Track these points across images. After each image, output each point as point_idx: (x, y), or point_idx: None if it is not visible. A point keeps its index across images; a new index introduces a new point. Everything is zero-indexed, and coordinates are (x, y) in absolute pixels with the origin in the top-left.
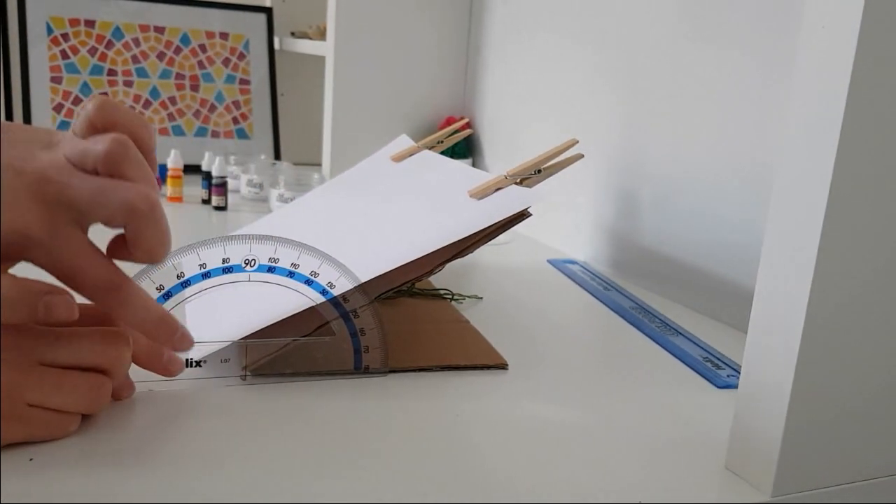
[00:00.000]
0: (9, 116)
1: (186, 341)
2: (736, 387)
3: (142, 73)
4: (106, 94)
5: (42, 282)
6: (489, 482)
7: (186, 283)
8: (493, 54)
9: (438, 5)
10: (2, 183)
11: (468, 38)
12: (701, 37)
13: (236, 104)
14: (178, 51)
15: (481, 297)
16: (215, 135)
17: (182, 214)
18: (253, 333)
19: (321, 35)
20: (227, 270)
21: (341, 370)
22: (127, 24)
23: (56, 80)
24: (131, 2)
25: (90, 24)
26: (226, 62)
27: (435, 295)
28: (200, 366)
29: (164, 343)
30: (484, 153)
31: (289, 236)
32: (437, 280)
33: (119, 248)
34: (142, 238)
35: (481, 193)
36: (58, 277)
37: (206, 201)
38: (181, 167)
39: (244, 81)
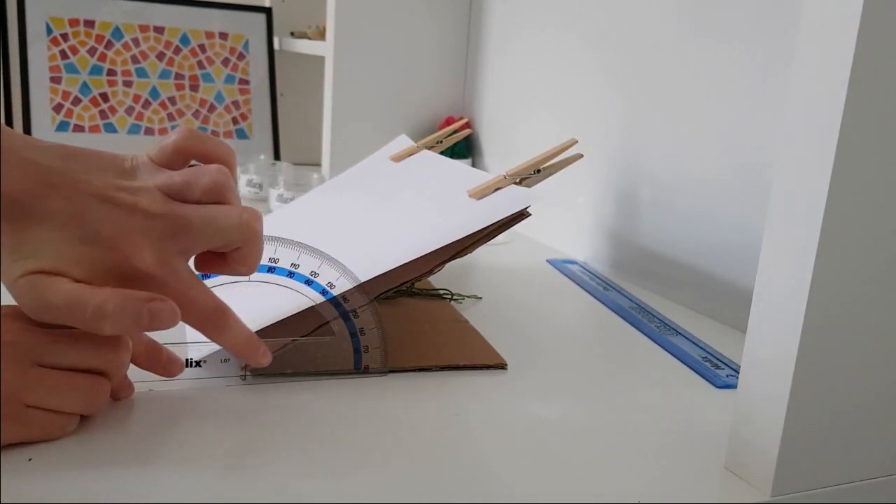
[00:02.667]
0: (8, 116)
1: (268, 357)
2: (735, 387)
3: (141, 73)
4: (105, 94)
5: (141, 292)
6: (488, 482)
7: None
8: (492, 54)
9: (438, 5)
10: (114, 223)
11: (468, 38)
12: (701, 37)
13: (236, 104)
14: (177, 51)
15: (481, 297)
16: (215, 135)
17: None
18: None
19: (320, 35)
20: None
21: (341, 370)
22: (126, 24)
23: (55, 80)
24: (131, 2)
25: (90, 24)
26: (225, 62)
27: (434, 295)
28: (200, 366)
29: (248, 359)
30: (483, 153)
31: (288, 236)
32: (437, 280)
33: (212, 264)
34: (251, 255)
35: (480, 193)
36: None
37: None
38: None
39: (244, 81)
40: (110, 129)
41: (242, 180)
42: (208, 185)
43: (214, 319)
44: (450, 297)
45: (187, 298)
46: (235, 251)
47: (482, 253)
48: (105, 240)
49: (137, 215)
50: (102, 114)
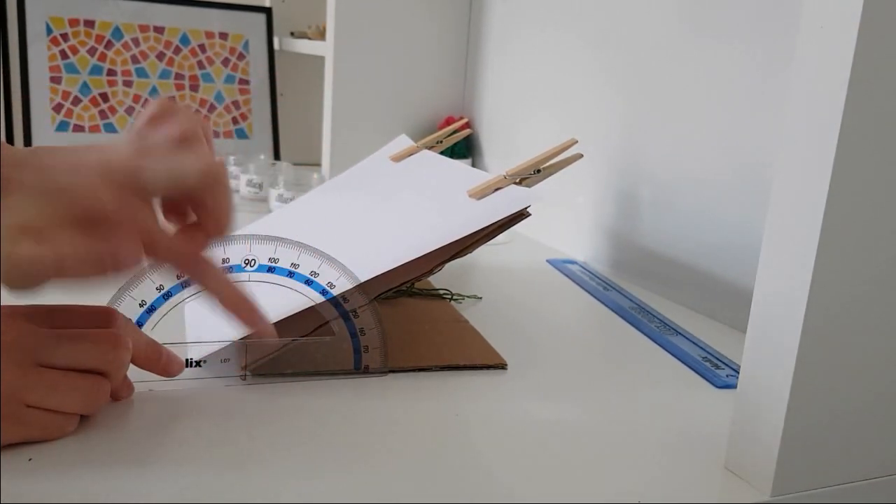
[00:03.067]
0: (8, 116)
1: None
2: (735, 387)
3: (141, 73)
4: (105, 94)
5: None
6: (488, 482)
7: (186, 284)
8: (492, 54)
9: (438, 5)
10: (73, 172)
11: (468, 38)
12: (701, 37)
13: (236, 104)
14: (177, 51)
15: (480, 297)
16: (215, 135)
17: None
18: (253, 333)
19: (320, 35)
20: (227, 271)
21: (341, 370)
22: (126, 24)
23: (55, 80)
24: (131, 2)
25: (90, 24)
26: (225, 62)
27: (434, 295)
28: (200, 366)
29: (234, 310)
30: (483, 153)
31: (288, 236)
32: (437, 280)
33: (186, 230)
34: (218, 207)
35: (480, 193)
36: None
37: None
38: None
39: (244, 81)
40: (110, 129)
41: (242, 180)
42: (176, 132)
43: (190, 259)
44: (450, 297)
45: (152, 239)
46: (203, 210)
47: (482, 253)
48: (63, 187)
49: (96, 162)
50: (102, 114)
